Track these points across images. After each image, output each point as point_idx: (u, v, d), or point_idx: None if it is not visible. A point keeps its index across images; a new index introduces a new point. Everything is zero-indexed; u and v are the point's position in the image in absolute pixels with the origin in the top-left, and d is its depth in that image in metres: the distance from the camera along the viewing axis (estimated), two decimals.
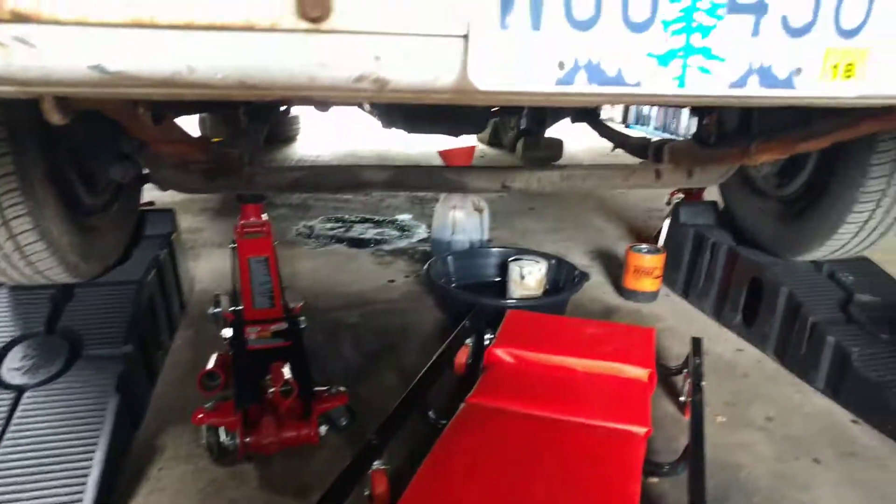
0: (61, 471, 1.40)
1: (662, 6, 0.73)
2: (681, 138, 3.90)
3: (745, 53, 0.78)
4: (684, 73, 0.77)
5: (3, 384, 1.57)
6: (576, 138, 5.53)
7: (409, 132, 3.09)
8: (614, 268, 2.95)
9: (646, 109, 7.88)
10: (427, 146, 4.52)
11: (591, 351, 1.91)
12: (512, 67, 0.72)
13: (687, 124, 6.97)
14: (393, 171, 2.05)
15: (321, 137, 6.72)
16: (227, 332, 1.80)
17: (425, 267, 2.61)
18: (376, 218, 3.85)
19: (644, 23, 0.74)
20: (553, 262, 2.67)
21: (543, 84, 0.73)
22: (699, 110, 2.63)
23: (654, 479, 1.56)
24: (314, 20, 0.66)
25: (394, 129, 3.04)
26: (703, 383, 1.80)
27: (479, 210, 2.87)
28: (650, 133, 7.45)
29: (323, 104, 2.43)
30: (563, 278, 2.64)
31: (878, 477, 1.61)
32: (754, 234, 2.44)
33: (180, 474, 1.56)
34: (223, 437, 1.55)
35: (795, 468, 1.64)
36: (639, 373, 1.83)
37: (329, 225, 3.69)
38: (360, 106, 3.09)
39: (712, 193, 2.82)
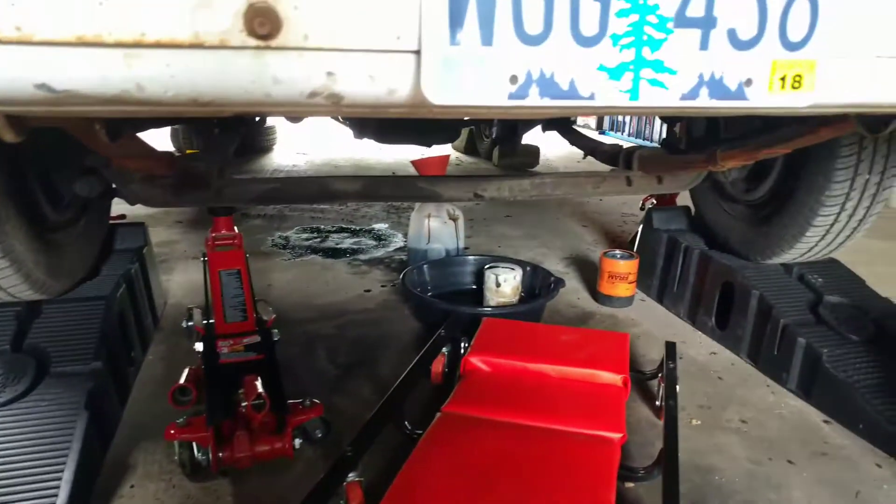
0: (29, 491, 1.37)
1: (611, 21, 0.74)
2: (654, 145, 3.95)
3: (695, 66, 0.79)
4: (636, 85, 0.78)
5: None
6: (553, 145, 5.57)
7: (380, 143, 3.09)
8: (590, 273, 2.97)
9: (620, 117, 7.97)
10: (406, 155, 4.53)
11: (566, 358, 1.92)
12: (464, 82, 0.72)
13: (660, 131, 7.06)
14: (364, 182, 2.05)
15: (297, 147, 6.70)
16: (199, 346, 1.79)
17: (401, 276, 2.61)
18: (352, 227, 3.84)
19: (594, 37, 0.74)
20: (528, 269, 2.68)
21: (496, 98, 0.74)
22: (669, 118, 2.67)
23: (630, 485, 1.57)
24: (263, 37, 0.66)
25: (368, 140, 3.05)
26: (678, 387, 1.82)
27: (454, 218, 2.88)
28: (624, 140, 7.52)
29: (294, 116, 2.42)
30: (539, 285, 2.65)
31: (850, 476, 1.63)
32: (725, 239, 2.47)
33: (153, 491, 1.53)
34: (196, 452, 1.54)
35: (769, 469, 1.66)
36: (613, 378, 1.84)
37: (305, 235, 3.67)
38: (335, 116, 3.09)
39: (685, 199, 2.85)
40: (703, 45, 0.78)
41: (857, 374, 1.85)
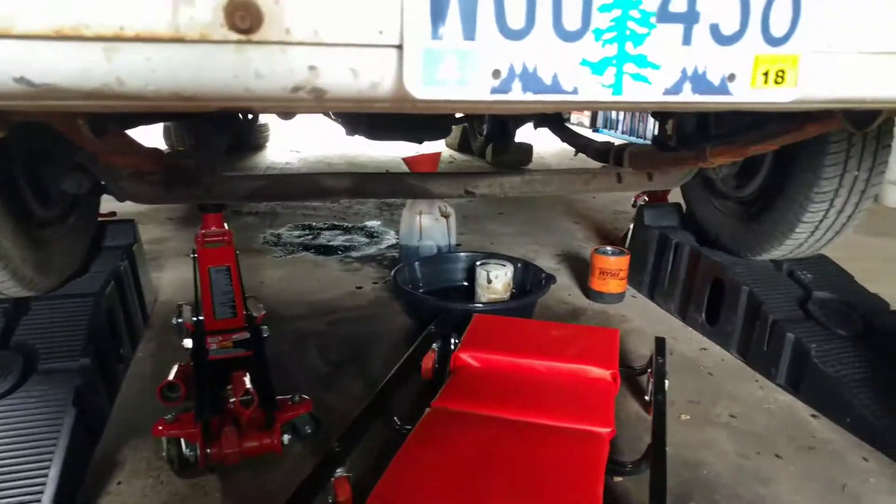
0: (16, 488, 1.36)
1: (594, 15, 0.74)
2: (646, 142, 3.96)
3: (678, 61, 0.79)
4: (619, 80, 0.78)
5: None
6: (546, 143, 5.57)
7: (371, 140, 3.09)
8: (581, 270, 2.98)
9: (613, 114, 7.98)
10: (400, 152, 4.54)
11: (556, 353, 1.92)
12: (447, 77, 0.72)
13: (654, 129, 7.07)
14: (355, 179, 2.05)
15: (291, 145, 6.69)
16: (188, 343, 1.78)
17: (392, 273, 2.61)
18: (345, 224, 3.83)
19: (576, 32, 0.75)
20: (520, 265, 2.69)
21: (479, 93, 0.74)
22: (660, 115, 2.68)
23: (618, 479, 1.58)
24: (244, 31, 0.65)
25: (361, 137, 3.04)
26: (667, 382, 1.83)
27: (445, 215, 2.88)
28: (618, 138, 7.54)
29: (286, 112, 2.41)
30: (530, 281, 2.65)
31: (837, 469, 1.64)
32: (716, 235, 2.48)
33: (140, 488, 1.53)
34: (184, 448, 1.53)
35: (757, 463, 1.66)
36: (603, 374, 1.85)
37: (297, 233, 3.66)
38: (326, 113, 3.09)
39: (676, 196, 2.86)
40: (686, 40, 0.78)
41: (844, 369, 1.86)
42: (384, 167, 5.36)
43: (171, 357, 1.94)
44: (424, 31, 0.71)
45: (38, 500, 1.34)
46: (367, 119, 2.64)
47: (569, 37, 0.75)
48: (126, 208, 2.92)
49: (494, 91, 0.74)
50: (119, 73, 0.65)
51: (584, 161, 2.72)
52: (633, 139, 7.32)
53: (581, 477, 1.43)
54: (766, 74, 0.81)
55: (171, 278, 2.87)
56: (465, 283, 2.74)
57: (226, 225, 1.88)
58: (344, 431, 1.48)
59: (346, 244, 3.45)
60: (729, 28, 0.78)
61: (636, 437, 1.75)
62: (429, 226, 2.87)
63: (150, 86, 0.66)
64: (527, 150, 5.74)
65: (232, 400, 1.56)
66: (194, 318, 1.86)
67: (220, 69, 0.68)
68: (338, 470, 1.36)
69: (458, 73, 0.72)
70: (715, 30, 0.78)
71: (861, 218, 2.05)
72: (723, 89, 0.81)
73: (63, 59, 0.64)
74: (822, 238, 2.11)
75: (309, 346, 2.24)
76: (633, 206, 3.39)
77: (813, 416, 1.88)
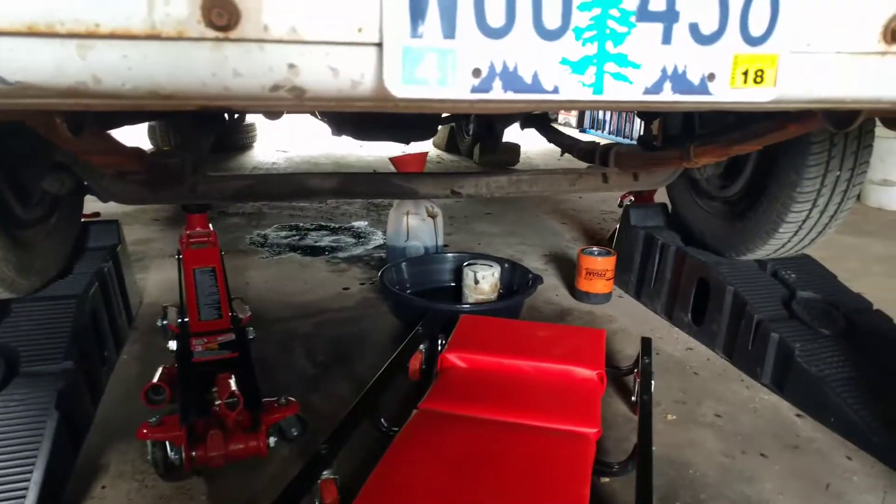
0: None
1: (574, 14, 0.74)
2: (632, 143, 3.97)
3: (658, 60, 0.80)
4: (600, 79, 0.78)
5: None
6: (534, 143, 5.59)
7: (357, 140, 3.08)
8: (569, 270, 2.98)
9: (600, 114, 8.01)
10: (387, 152, 4.54)
11: (543, 354, 1.93)
12: (427, 75, 0.72)
13: (640, 129, 7.11)
14: (340, 179, 2.04)
15: (278, 145, 6.67)
16: (173, 345, 1.77)
17: (379, 274, 2.60)
18: (332, 225, 3.82)
19: (557, 30, 0.75)
20: (507, 266, 2.69)
21: (459, 91, 0.73)
22: (646, 115, 2.69)
23: (605, 479, 1.58)
24: (222, 28, 0.65)
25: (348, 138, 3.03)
26: (653, 382, 1.83)
27: (432, 216, 2.88)
28: (605, 138, 7.57)
29: (272, 112, 2.40)
30: (518, 282, 2.66)
31: (820, 468, 1.65)
32: (701, 235, 2.49)
33: (125, 491, 1.52)
34: (170, 451, 1.52)
35: (742, 463, 1.67)
36: (589, 374, 1.85)
37: (283, 233, 3.65)
38: (312, 113, 3.07)
39: (662, 196, 2.87)
40: (666, 39, 0.78)
41: (828, 369, 1.88)
42: (371, 167, 5.35)
43: (155, 359, 1.92)
44: (404, 30, 0.70)
45: None
46: (352, 119, 2.64)
47: (549, 35, 0.75)
48: (110, 209, 2.90)
49: (475, 90, 0.74)
50: (94, 70, 0.64)
51: (571, 161, 2.73)
52: (620, 139, 7.35)
53: (568, 477, 1.43)
54: (745, 74, 0.81)
55: (156, 280, 2.84)
56: (453, 284, 2.74)
57: (211, 226, 1.87)
58: (330, 433, 1.47)
59: (333, 245, 3.44)
60: (708, 27, 0.79)
61: (623, 437, 1.75)
62: (416, 226, 2.86)
63: (126, 84, 0.65)
64: (514, 150, 5.76)
65: (217, 402, 1.54)
66: (179, 320, 1.85)
67: (198, 67, 0.67)
68: (324, 472, 1.36)
69: (438, 72, 0.72)
70: (694, 29, 0.78)
71: (844, 218, 2.07)
72: (703, 89, 0.81)
73: (36, 56, 0.63)
74: (805, 238, 2.13)
75: (295, 348, 2.23)
76: (620, 206, 3.40)
77: (797, 415, 1.90)
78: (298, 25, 0.68)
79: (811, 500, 1.54)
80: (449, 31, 0.71)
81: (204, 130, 2.29)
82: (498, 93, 0.74)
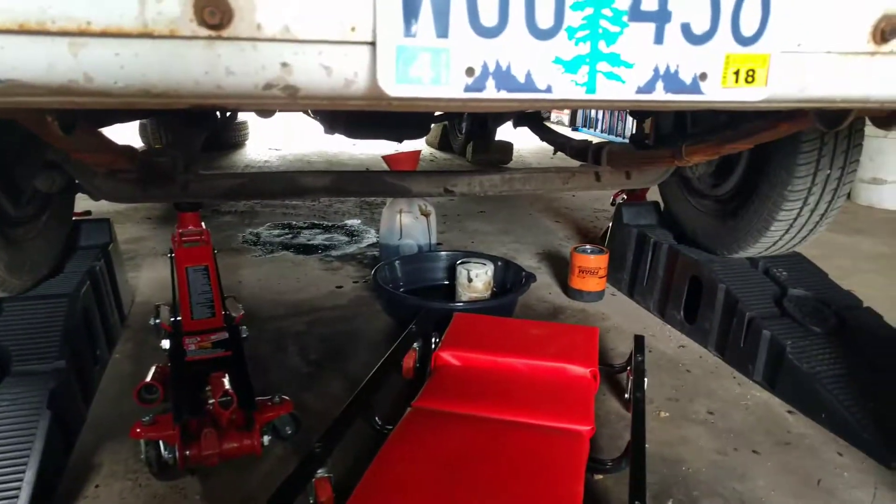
0: None
1: (567, 14, 0.75)
2: (625, 141, 3.99)
3: (651, 60, 0.80)
4: (593, 78, 0.78)
5: None
6: (526, 141, 5.60)
7: (350, 138, 3.08)
8: (562, 269, 2.99)
9: (593, 113, 8.03)
10: (380, 150, 4.55)
11: (536, 352, 1.93)
12: (420, 74, 0.72)
13: (632, 128, 7.12)
14: (332, 177, 2.04)
15: (270, 143, 6.65)
16: (166, 344, 1.76)
17: (372, 272, 2.60)
18: (325, 223, 3.82)
19: (550, 30, 0.75)
20: (500, 264, 2.69)
21: (453, 90, 0.74)
22: (638, 114, 2.70)
23: (598, 476, 1.59)
24: (214, 27, 0.65)
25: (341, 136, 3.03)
26: (646, 380, 1.84)
27: (426, 214, 2.88)
28: (597, 136, 7.58)
29: (264, 111, 2.40)
30: (511, 280, 2.66)
31: (812, 464, 1.67)
32: (693, 233, 2.50)
33: (118, 491, 1.51)
34: (163, 450, 1.52)
35: (735, 459, 1.68)
36: (582, 372, 1.86)
37: (276, 231, 3.64)
38: (305, 111, 3.07)
39: (655, 194, 2.88)
40: (658, 38, 0.79)
41: (819, 366, 1.89)
42: (364, 165, 5.34)
43: (148, 358, 1.92)
44: (397, 29, 0.70)
45: None
46: (345, 117, 2.63)
47: (542, 35, 0.75)
48: (102, 207, 2.89)
49: (468, 89, 0.74)
50: (86, 68, 0.64)
51: (564, 160, 2.73)
52: (613, 138, 7.37)
53: (561, 475, 1.44)
54: (736, 74, 0.82)
55: (148, 278, 2.83)
56: (446, 282, 2.74)
57: (203, 224, 1.86)
58: (324, 432, 1.47)
59: (326, 243, 3.43)
60: (700, 27, 0.79)
61: (616, 434, 1.76)
62: (409, 224, 2.86)
63: (118, 82, 0.65)
64: (507, 148, 5.76)
65: (211, 401, 1.54)
66: (172, 319, 1.84)
67: (190, 66, 0.67)
68: (319, 470, 1.36)
69: (431, 71, 0.72)
70: (686, 29, 0.79)
71: (834, 216, 2.09)
72: (694, 88, 0.82)
73: (28, 54, 0.63)
74: (796, 236, 2.14)
75: (289, 346, 2.23)
76: (612, 204, 3.41)
77: (789, 412, 1.91)
78: (292, 24, 0.68)
79: (803, 496, 1.55)
80: (442, 30, 0.72)
81: (195, 129, 2.28)
82: (491, 92, 0.74)
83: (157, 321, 1.85)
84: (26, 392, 1.56)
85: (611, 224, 2.98)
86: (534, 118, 2.98)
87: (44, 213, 1.97)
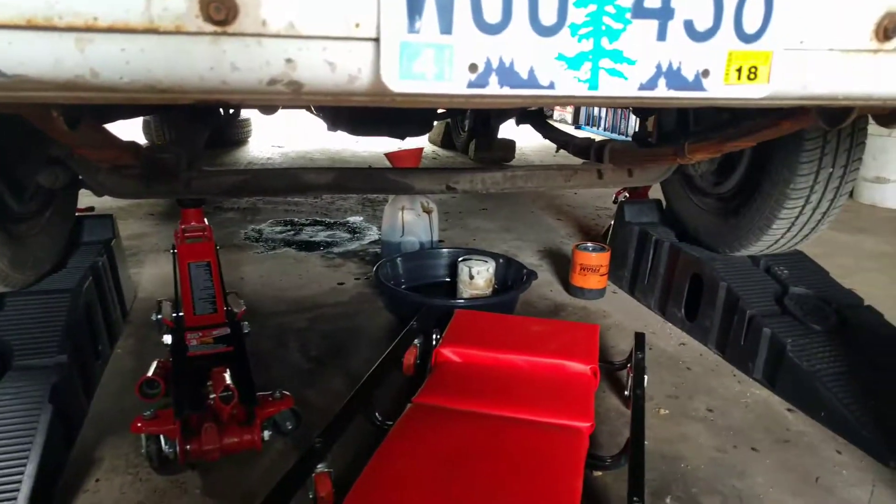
0: None
1: (570, 11, 0.75)
2: (627, 139, 3.99)
3: (653, 57, 0.80)
4: (595, 75, 0.79)
5: None
6: (529, 139, 5.60)
7: (353, 135, 3.08)
8: (563, 266, 2.99)
9: (596, 111, 8.02)
10: (383, 147, 4.56)
11: (537, 348, 1.93)
12: (424, 70, 0.72)
13: (635, 126, 7.11)
14: (335, 174, 2.05)
15: (273, 140, 6.65)
16: (167, 339, 1.77)
17: (374, 269, 2.61)
18: (327, 220, 3.82)
19: (553, 26, 0.75)
20: (502, 261, 2.70)
21: (456, 86, 0.74)
22: (641, 111, 2.70)
23: (598, 473, 1.59)
24: (220, 23, 0.65)
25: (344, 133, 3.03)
26: (646, 377, 1.84)
27: (428, 211, 2.88)
28: (600, 134, 7.58)
29: (267, 107, 2.40)
30: (512, 277, 2.66)
31: (811, 462, 1.67)
32: (695, 231, 2.51)
33: (119, 485, 1.52)
34: (164, 445, 1.52)
35: (734, 457, 1.69)
36: (583, 369, 1.86)
37: (278, 228, 3.65)
38: (308, 108, 3.07)
39: (657, 192, 2.88)
40: (661, 35, 0.79)
41: (819, 364, 1.89)
42: (367, 163, 5.34)
43: (150, 353, 1.92)
44: (401, 25, 0.71)
45: (14, 498, 1.33)
46: (348, 114, 2.64)
47: (545, 31, 0.75)
48: (105, 203, 2.89)
49: (471, 85, 0.74)
50: (92, 64, 0.65)
51: (567, 157, 2.73)
52: (615, 136, 7.36)
53: (561, 471, 1.44)
54: (739, 71, 0.82)
55: (150, 274, 2.84)
56: (448, 279, 2.75)
57: (206, 220, 1.87)
58: (325, 427, 1.47)
59: (329, 240, 3.44)
60: (703, 24, 0.80)
61: (615, 431, 1.77)
62: (411, 221, 2.86)
63: (124, 78, 0.66)
64: (510, 146, 5.76)
65: (212, 396, 1.54)
66: (174, 314, 1.85)
67: (196, 61, 0.67)
68: (319, 465, 1.36)
69: (434, 67, 0.72)
70: (689, 26, 0.79)
71: (836, 214, 2.09)
72: (697, 85, 0.82)
73: (35, 49, 0.63)
74: (798, 234, 2.15)
75: (290, 343, 2.23)
76: (614, 202, 3.41)
77: (789, 409, 1.91)
78: (296, 20, 0.68)
79: (801, 494, 1.55)
80: (446, 26, 0.72)
81: (199, 125, 2.29)
82: (494, 88, 0.75)
83: (159, 316, 1.85)
84: (28, 386, 1.57)
85: (612, 222, 2.98)
86: (536, 116, 2.98)
87: (47, 209, 1.97)
